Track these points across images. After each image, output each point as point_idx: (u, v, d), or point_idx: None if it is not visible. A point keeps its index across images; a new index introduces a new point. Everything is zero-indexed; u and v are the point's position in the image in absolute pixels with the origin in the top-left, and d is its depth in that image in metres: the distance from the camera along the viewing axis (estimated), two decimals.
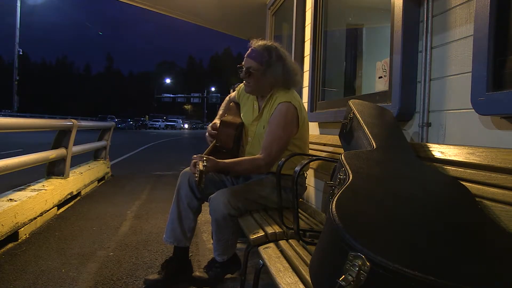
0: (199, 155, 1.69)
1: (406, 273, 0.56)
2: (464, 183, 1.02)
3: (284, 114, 1.81)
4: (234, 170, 1.80)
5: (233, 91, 2.32)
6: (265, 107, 1.94)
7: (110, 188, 4.73)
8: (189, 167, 1.92)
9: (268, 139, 1.81)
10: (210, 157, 1.68)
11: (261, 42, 1.91)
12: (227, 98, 2.32)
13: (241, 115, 2.11)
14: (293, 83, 1.93)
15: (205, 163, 1.56)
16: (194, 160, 1.65)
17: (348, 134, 1.47)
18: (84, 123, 4.42)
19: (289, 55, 1.98)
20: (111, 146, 5.83)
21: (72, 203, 3.74)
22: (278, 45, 1.93)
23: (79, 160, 4.88)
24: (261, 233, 1.53)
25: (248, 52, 1.91)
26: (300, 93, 3.10)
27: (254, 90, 1.95)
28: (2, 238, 2.34)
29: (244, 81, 1.95)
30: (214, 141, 2.01)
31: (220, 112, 2.23)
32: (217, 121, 2.10)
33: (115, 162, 7.47)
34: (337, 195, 0.76)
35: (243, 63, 1.92)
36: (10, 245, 2.44)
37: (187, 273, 1.95)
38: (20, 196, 2.77)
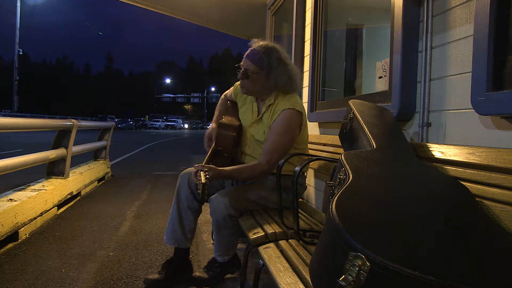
0: (200, 164, 1.65)
1: (406, 273, 0.56)
2: (464, 183, 1.02)
3: (287, 121, 1.80)
4: (236, 178, 1.83)
5: None
6: (265, 112, 1.90)
7: (110, 188, 4.73)
8: (188, 168, 1.93)
9: (270, 146, 1.79)
10: (211, 166, 1.65)
11: (261, 43, 1.87)
12: (223, 96, 2.27)
13: (239, 114, 2.09)
14: (292, 87, 1.89)
15: (207, 175, 1.52)
16: (195, 170, 1.61)
17: (348, 134, 1.47)
18: (84, 123, 4.43)
19: (289, 57, 1.94)
20: (111, 146, 5.84)
21: (72, 203, 3.74)
22: (279, 47, 1.88)
23: (79, 160, 4.88)
24: (261, 233, 1.53)
25: (247, 52, 1.87)
26: (300, 93, 3.10)
27: (250, 92, 1.92)
28: (2, 238, 2.34)
29: (240, 82, 1.92)
30: (213, 145, 1.99)
31: (217, 113, 2.19)
32: (214, 125, 2.07)
33: (115, 162, 7.47)
34: (337, 195, 0.76)
35: (241, 63, 1.88)
36: (10, 245, 2.44)
37: (187, 273, 1.95)
38: (20, 196, 2.77)
